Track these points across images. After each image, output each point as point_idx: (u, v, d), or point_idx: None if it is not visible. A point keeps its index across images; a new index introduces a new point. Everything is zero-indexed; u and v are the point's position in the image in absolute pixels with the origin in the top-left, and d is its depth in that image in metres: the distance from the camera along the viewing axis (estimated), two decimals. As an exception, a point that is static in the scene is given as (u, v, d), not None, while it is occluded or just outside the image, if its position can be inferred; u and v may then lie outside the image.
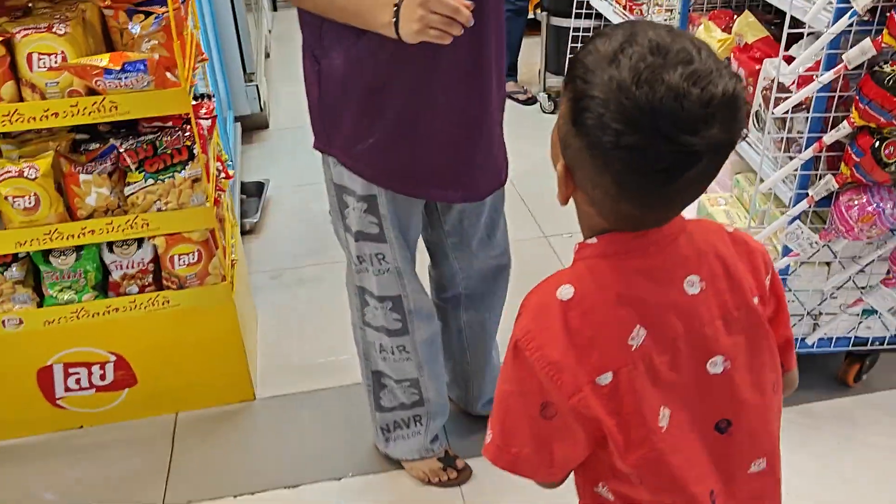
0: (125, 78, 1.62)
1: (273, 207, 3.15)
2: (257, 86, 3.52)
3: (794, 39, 1.97)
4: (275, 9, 5.76)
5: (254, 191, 3.10)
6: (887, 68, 1.57)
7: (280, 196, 3.23)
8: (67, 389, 2.02)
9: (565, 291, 0.81)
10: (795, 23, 1.73)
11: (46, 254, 1.86)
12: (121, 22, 1.73)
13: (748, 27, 2.22)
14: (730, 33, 2.26)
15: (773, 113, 1.73)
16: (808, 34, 1.86)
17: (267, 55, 4.57)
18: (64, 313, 1.90)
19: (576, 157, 0.76)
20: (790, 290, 1.95)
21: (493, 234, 1.76)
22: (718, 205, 2.25)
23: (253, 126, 3.71)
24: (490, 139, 1.54)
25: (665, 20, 2.80)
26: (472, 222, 1.72)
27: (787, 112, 1.72)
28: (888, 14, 1.57)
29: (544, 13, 3.78)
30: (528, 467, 0.84)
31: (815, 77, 1.67)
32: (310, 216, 3.08)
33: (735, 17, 2.41)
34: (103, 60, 1.62)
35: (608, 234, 0.82)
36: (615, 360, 0.79)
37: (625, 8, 3.21)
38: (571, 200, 0.83)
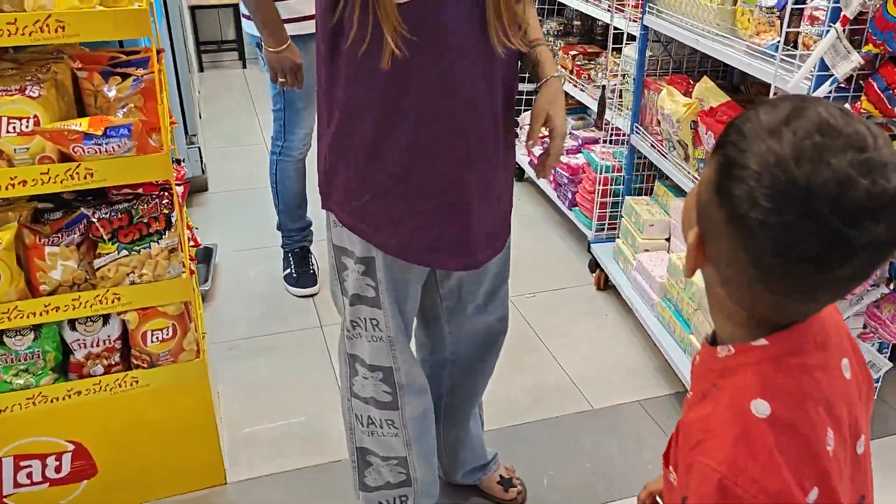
0: (106, 143, 1.51)
1: (222, 273, 3.01)
2: (199, 148, 3.39)
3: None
4: (201, 69, 5.65)
5: (202, 257, 2.96)
6: (867, 133, 1.65)
7: (228, 261, 3.09)
8: (17, 485, 1.81)
9: (762, 407, 0.72)
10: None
11: (0, 334, 1.69)
12: (95, 84, 1.62)
13: (709, 92, 2.31)
14: (691, 98, 2.35)
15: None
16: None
17: (199, 116, 4.45)
18: (19, 400, 1.72)
19: (714, 228, 0.72)
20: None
21: (493, 301, 1.71)
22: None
23: (193, 189, 3.57)
24: (491, 204, 1.50)
25: (618, 85, 2.89)
26: (471, 290, 1.67)
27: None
28: (863, 82, 1.66)
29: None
30: None
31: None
32: (261, 281, 2.96)
33: (691, 82, 2.51)
34: (81, 125, 1.50)
35: (777, 335, 0.75)
36: (821, 472, 0.73)
37: (572, 72, 3.30)
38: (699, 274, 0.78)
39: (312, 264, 2.96)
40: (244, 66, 6.07)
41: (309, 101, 2.67)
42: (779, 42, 1.90)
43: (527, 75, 1.50)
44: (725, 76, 2.70)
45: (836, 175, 0.63)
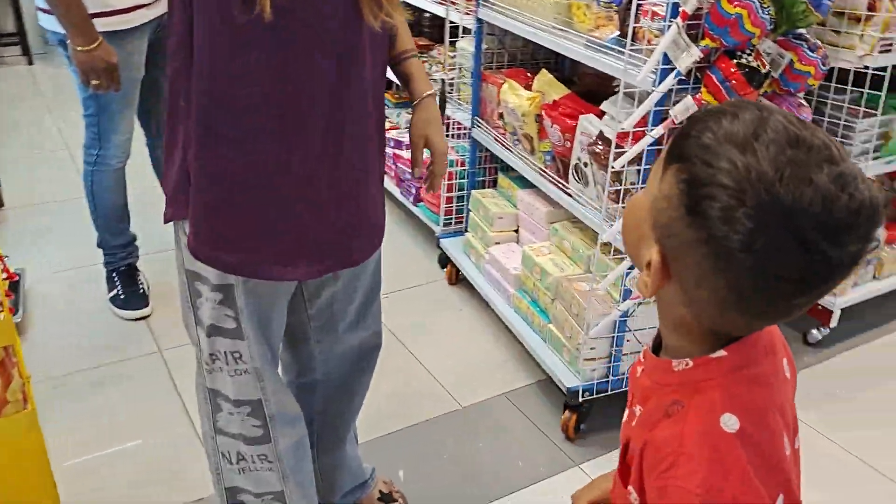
0: None
1: (34, 302, 2.66)
2: (-8, 159, 2.97)
3: (603, 97, 2.12)
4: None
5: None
6: (708, 123, 1.73)
7: (41, 287, 2.74)
8: None
9: (731, 422, 0.70)
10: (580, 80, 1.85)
11: None
12: None
13: (548, 85, 2.35)
14: (527, 92, 2.38)
15: (612, 167, 1.83)
16: (624, 92, 2.01)
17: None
18: None
19: (683, 248, 0.67)
20: (630, 331, 2.06)
21: (366, 316, 1.62)
22: (543, 254, 2.32)
23: (-15, 206, 3.13)
24: (360, 201, 1.40)
25: (454, 79, 2.88)
26: (342, 306, 1.57)
27: (623, 166, 1.82)
28: (702, 74, 1.74)
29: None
30: None
31: (645, 132, 1.79)
32: (82, 306, 2.65)
33: (529, 75, 2.54)
34: None
35: (733, 346, 0.74)
36: (784, 479, 0.72)
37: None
38: None
39: (141, 283, 2.69)
40: (30, 63, 5.45)
41: (126, 104, 2.41)
42: (618, 36, 1.96)
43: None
44: (557, 68, 2.76)
45: (820, 192, 0.61)
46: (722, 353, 0.74)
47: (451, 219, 2.95)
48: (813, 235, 0.62)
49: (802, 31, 1.76)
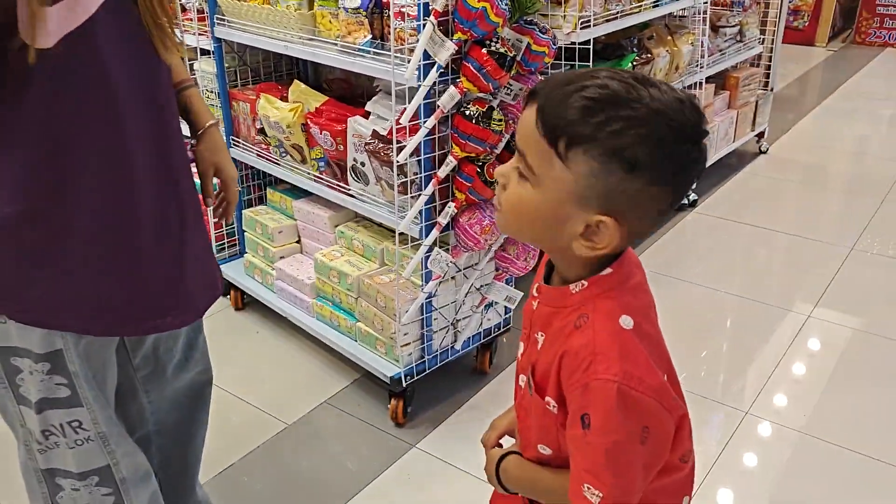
0: None
1: None
2: None
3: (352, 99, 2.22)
4: None
5: None
6: (473, 108, 1.91)
7: None
8: None
9: (627, 321, 0.87)
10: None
11: None
12: None
13: (305, 95, 2.41)
14: (286, 104, 2.41)
15: (397, 161, 1.94)
16: (385, 91, 2.13)
17: None
18: None
19: (636, 198, 0.83)
20: (436, 309, 2.20)
21: (193, 353, 1.56)
22: (336, 257, 2.38)
23: None
24: (199, 233, 1.38)
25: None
26: (168, 348, 1.51)
27: (406, 159, 1.94)
28: (459, 65, 1.92)
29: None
30: None
31: (419, 125, 1.92)
32: None
33: (280, 87, 2.56)
34: None
35: (614, 265, 0.90)
36: (666, 360, 0.90)
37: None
38: None
39: None
40: None
41: None
42: (370, 38, 2.07)
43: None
44: (301, 78, 2.81)
45: (685, 104, 0.84)
46: (609, 270, 0.91)
47: (224, 244, 2.88)
48: (694, 132, 0.84)
49: (531, 17, 2.00)
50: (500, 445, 1.13)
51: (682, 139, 0.83)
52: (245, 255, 2.76)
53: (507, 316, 2.44)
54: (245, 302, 2.81)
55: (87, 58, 1.11)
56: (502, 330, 2.45)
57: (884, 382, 2.46)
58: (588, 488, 0.86)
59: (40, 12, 1.02)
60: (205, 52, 2.62)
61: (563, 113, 0.81)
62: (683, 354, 2.01)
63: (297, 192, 2.61)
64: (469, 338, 2.34)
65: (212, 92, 2.71)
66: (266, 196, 2.77)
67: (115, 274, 1.24)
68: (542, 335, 0.95)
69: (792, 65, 6.13)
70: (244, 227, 2.74)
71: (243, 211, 2.73)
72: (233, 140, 2.67)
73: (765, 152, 4.37)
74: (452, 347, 2.31)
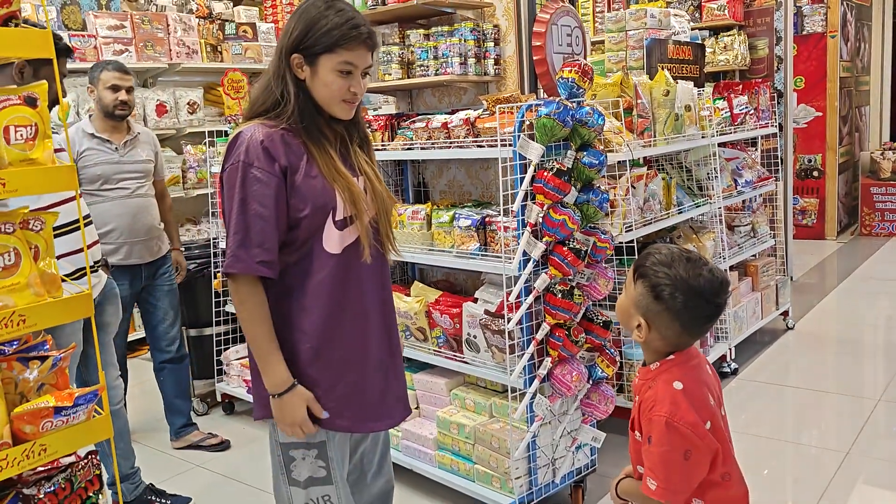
0: (74, 413, 1.68)
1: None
2: None
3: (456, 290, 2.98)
4: None
5: None
6: (559, 288, 2.66)
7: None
8: None
9: (678, 385, 1.53)
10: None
11: None
12: (16, 371, 1.76)
13: (423, 290, 3.19)
14: (411, 298, 3.19)
15: (507, 328, 2.66)
16: (486, 282, 2.90)
17: None
18: None
19: (657, 314, 1.53)
20: (539, 448, 2.80)
21: (384, 464, 2.18)
22: (454, 414, 3.02)
23: None
24: (400, 369, 2.07)
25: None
26: (369, 458, 2.13)
27: (514, 326, 2.66)
28: (548, 258, 2.69)
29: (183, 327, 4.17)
30: (682, 499, 1.50)
31: (521, 302, 2.67)
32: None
33: (403, 288, 3.37)
34: (49, 402, 1.66)
35: (676, 354, 1.58)
36: (710, 412, 1.54)
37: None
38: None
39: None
40: None
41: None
42: (479, 245, 2.89)
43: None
44: (410, 276, 3.62)
45: (707, 279, 1.53)
46: (672, 357, 1.59)
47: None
48: (710, 297, 1.53)
49: (594, 224, 2.81)
50: None
51: (698, 298, 1.52)
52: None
53: (593, 457, 3.01)
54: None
55: (355, 255, 1.89)
56: (590, 470, 3.01)
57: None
58: (650, 480, 1.51)
59: (334, 233, 1.83)
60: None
61: (644, 260, 1.57)
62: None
63: (415, 368, 3.31)
64: (565, 474, 2.90)
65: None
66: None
67: (356, 391, 1.93)
68: (637, 398, 1.63)
69: (807, 256, 6.93)
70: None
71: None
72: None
73: (791, 328, 5.02)
74: (553, 482, 2.87)
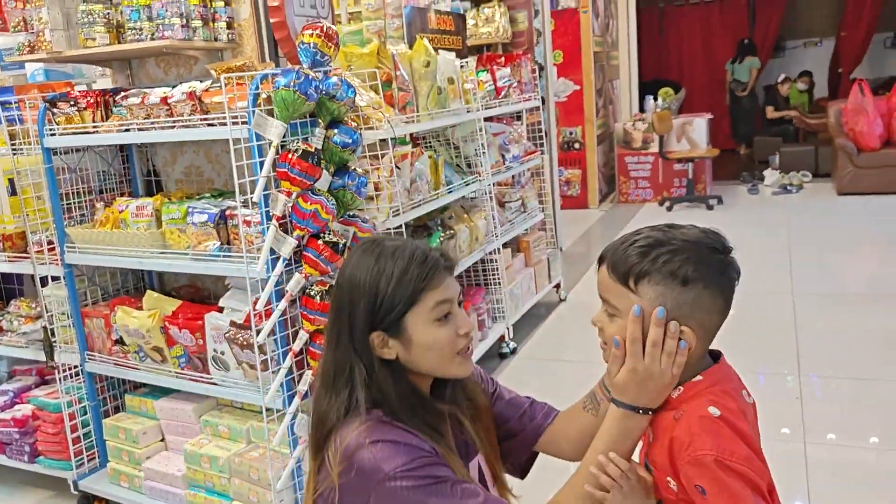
0: None
1: None
2: None
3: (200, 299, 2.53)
4: None
5: None
6: (316, 288, 2.28)
7: None
8: None
9: (714, 410, 1.16)
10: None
11: None
12: None
13: (159, 302, 2.68)
14: (143, 311, 2.66)
15: (257, 342, 2.24)
16: (231, 287, 2.46)
17: None
18: None
19: (694, 307, 1.17)
20: (306, 474, 2.42)
21: None
22: (204, 444, 2.56)
23: None
24: None
25: (47, 325, 2.94)
26: None
27: (265, 339, 2.25)
28: (301, 255, 2.30)
29: None
30: None
31: (272, 309, 2.26)
32: None
33: (132, 299, 2.82)
34: None
35: (706, 373, 1.22)
36: (748, 441, 1.17)
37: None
38: None
39: None
40: None
41: None
42: (219, 245, 2.43)
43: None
44: (149, 289, 3.06)
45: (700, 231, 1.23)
46: (699, 377, 1.22)
47: (83, 458, 2.92)
48: (721, 246, 1.21)
49: (353, 211, 2.46)
50: None
51: (714, 253, 1.19)
52: (108, 464, 2.83)
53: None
54: (110, 512, 2.84)
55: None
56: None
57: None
58: None
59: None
60: (56, 279, 2.82)
61: (626, 261, 1.20)
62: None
63: (157, 393, 2.78)
64: (339, 496, 2.55)
65: (63, 314, 2.88)
66: (125, 403, 2.90)
67: None
68: (650, 432, 1.28)
69: (573, 226, 7.17)
70: (105, 437, 2.83)
71: (103, 421, 2.84)
72: (88, 355, 2.83)
73: (564, 300, 5.07)
74: None
